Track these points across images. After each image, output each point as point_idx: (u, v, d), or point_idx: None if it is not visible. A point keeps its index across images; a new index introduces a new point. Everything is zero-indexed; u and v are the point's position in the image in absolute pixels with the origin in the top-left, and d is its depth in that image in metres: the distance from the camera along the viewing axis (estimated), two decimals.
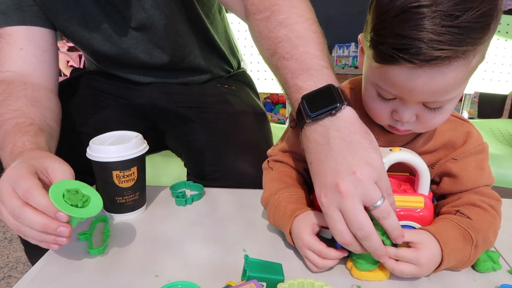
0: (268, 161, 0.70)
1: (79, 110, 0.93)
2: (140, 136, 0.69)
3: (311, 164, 0.54)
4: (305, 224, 0.56)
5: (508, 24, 1.46)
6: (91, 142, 0.67)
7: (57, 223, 0.51)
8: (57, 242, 0.53)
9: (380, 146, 0.53)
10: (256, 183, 0.75)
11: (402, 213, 0.56)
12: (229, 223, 0.68)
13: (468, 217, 0.56)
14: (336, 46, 5.69)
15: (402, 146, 0.61)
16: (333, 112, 0.51)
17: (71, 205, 0.52)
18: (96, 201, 0.55)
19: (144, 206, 0.72)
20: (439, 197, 0.64)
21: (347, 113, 0.52)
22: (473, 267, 0.57)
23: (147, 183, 0.72)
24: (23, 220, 0.51)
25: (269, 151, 0.72)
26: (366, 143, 0.50)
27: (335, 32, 4.46)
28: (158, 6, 0.87)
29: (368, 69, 0.55)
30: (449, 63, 0.47)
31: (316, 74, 0.55)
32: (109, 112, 0.96)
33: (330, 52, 5.87)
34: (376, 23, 0.50)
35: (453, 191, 0.61)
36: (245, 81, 1.16)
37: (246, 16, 0.71)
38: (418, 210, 0.56)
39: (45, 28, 0.84)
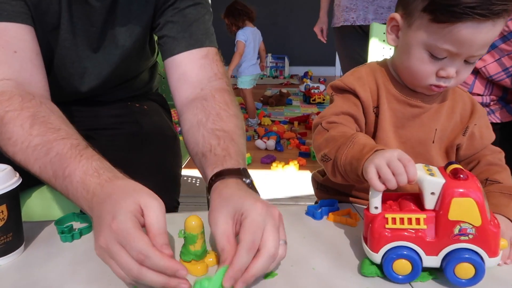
0: (321, 124, 0.73)
1: None
2: (8, 168, 0.60)
3: None
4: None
5: None
6: None
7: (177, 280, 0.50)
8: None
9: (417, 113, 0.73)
10: None
11: None
12: None
13: (498, 182, 0.69)
14: None
15: (430, 110, 0.73)
16: None
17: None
18: None
19: (22, 248, 0.63)
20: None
21: None
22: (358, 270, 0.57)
23: (34, 219, 0.64)
24: (143, 281, 0.49)
25: (315, 120, 0.75)
26: None
27: None
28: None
29: (420, 35, 0.66)
30: (502, 17, 0.60)
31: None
32: None
33: None
34: None
35: (474, 151, 0.74)
36: (159, 102, 1.12)
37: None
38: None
39: (32, 27, 0.71)
